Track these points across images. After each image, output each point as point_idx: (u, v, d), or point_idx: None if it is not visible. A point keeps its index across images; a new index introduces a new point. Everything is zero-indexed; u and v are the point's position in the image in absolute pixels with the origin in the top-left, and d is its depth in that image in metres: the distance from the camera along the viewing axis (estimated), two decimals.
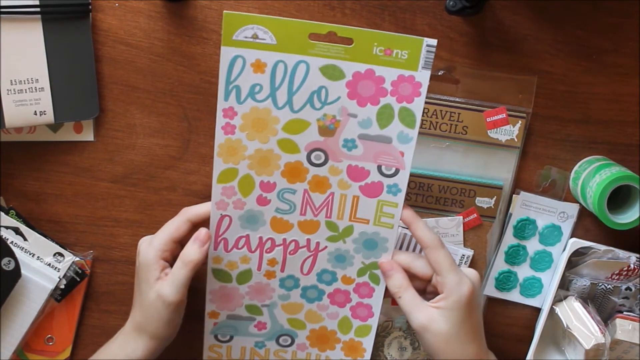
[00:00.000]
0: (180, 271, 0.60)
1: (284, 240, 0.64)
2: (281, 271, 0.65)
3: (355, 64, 0.59)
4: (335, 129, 0.60)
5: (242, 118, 0.60)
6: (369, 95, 0.59)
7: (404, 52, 0.58)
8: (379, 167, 0.62)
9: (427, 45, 0.58)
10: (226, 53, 0.58)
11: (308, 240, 0.64)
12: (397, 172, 0.61)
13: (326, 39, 0.59)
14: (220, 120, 0.60)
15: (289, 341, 0.68)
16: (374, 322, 0.68)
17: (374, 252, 0.64)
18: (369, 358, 0.69)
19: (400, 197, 0.62)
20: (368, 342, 0.69)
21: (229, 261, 0.64)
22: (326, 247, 0.64)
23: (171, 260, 0.62)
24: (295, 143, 0.61)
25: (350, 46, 0.58)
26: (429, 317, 0.60)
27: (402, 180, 0.62)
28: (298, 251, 0.64)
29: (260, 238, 0.63)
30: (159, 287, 0.60)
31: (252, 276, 0.65)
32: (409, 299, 0.62)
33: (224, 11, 0.57)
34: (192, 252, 0.61)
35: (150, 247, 0.62)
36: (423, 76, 0.59)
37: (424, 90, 0.59)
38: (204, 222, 0.63)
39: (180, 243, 0.63)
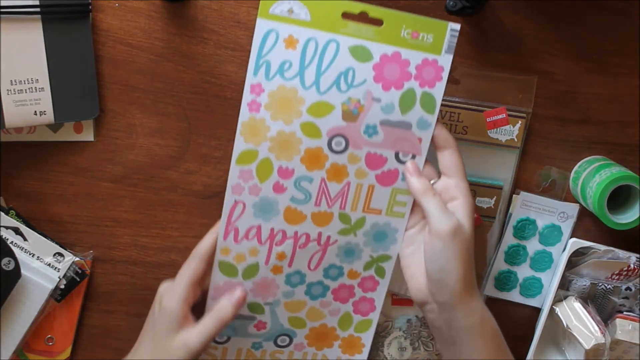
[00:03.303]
0: (212, 325, 0.60)
1: (296, 233, 0.63)
2: (289, 266, 0.64)
3: (383, 45, 0.59)
4: (359, 114, 0.60)
5: (269, 96, 0.59)
6: (394, 78, 0.59)
7: (429, 35, 0.59)
8: (397, 154, 0.61)
9: (451, 30, 0.59)
10: (261, 26, 0.57)
11: (319, 234, 0.63)
12: (413, 158, 0.61)
13: (357, 18, 0.59)
14: (247, 96, 0.59)
15: (287, 341, 0.68)
16: (375, 316, 0.67)
17: (382, 245, 0.64)
18: (367, 355, 0.69)
19: None
20: (367, 337, 0.68)
21: (237, 253, 0.63)
22: (337, 240, 0.63)
23: (192, 303, 0.61)
24: (317, 127, 0.60)
25: (380, 27, 0.58)
26: (457, 220, 0.58)
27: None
28: (308, 245, 0.63)
29: (272, 230, 0.62)
30: (185, 335, 0.59)
31: (258, 270, 0.64)
32: (439, 200, 0.59)
33: None
34: (227, 309, 0.61)
35: (173, 295, 0.60)
36: (446, 60, 0.59)
37: (445, 74, 0.60)
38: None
39: (200, 284, 0.62)
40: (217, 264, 0.63)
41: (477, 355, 0.59)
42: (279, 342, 0.68)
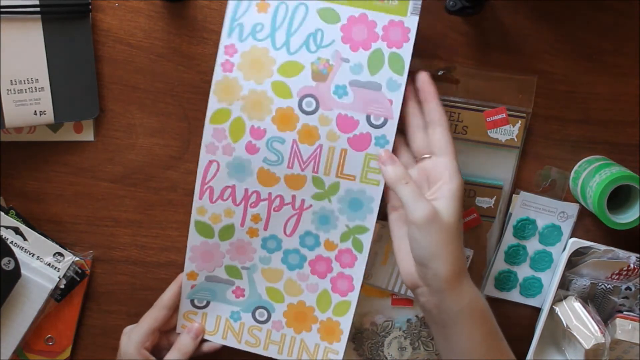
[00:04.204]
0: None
1: (270, 195, 0.65)
2: (264, 229, 0.66)
3: (350, 8, 0.62)
4: (328, 74, 0.63)
5: (242, 56, 0.63)
6: (361, 39, 0.62)
7: None
8: (368, 117, 0.63)
9: None
10: None
11: (293, 197, 0.65)
12: (385, 122, 0.63)
13: None
14: (221, 57, 0.63)
15: (265, 316, 0.68)
16: (353, 298, 0.68)
17: (358, 214, 0.65)
18: (345, 342, 0.68)
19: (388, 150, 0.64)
20: (346, 323, 0.68)
21: (212, 214, 0.65)
22: (311, 205, 0.65)
23: (151, 347, 0.66)
24: (288, 87, 0.63)
25: None
26: (434, 207, 0.58)
27: (390, 131, 0.63)
28: (282, 208, 0.65)
29: (246, 190, 0.65)
30: None
31: (234, 232, 0.66)
32: (413, 188, 0.60)
33: None
34: (188, 343, 0.67)
35: (130, 341, 0.65)
36: (411, 22, 0.62)
37: (412, 35, 0.62)
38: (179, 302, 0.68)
39: (160, 330, 0.67)
40: (193, 225, 0.66)
41: (467, 338, 0.59)
42: (257, 316, 0.69)
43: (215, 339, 0.69)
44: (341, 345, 0.69)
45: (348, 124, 0.63)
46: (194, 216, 0.65)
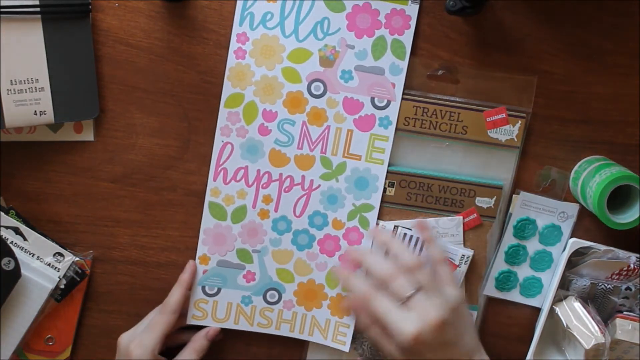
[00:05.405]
0: (189, 356, 0.68)
1: (280, 175, 0.68)
2: (275, 211, 0.68)
3: None
4: (335, 60, 0.67)
5: (253, 44, 0.67)
6: (365, 27, 0.67)
7: None
8: (372, 100, 0.68)
9: None
10: None
11: (303, 177, 0.68)
12: (388, 104, 0.68)
13: None
14: (233, 45, 0.67)
15: (276, 297, 0.70)
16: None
17: (364, 193, 0.68)
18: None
19: (391, 131, 0.68)
20: None
21: (226, 195, 0.68)
22: (319, 185, 0.68)
23: (161, 350, 0.66)
24: (297, 72, 0.67)
25: None
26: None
27: (393, 113, 0.68)
28: (292, 189, 0.68)
29: (258, 171, 0.68)
30: None
31: (246, 214, 0.69)
32: (376, 333, 0.64)
33: None
34: (204, 345, 0.69)
35: (146, 349, 0.65)
36: (412, 10, 0.67)
37: (413, 22, 0.67)
38: (184, 305, 0.69)
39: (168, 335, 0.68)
40: (207, 207, 0.69)
41: None
42: (268, 298, 0.70)
43: (227, 326, 0.70)
44: (352, 318, 0.70)
45: (354, 106, 0.68)
46: (208, 198, 0.68)
